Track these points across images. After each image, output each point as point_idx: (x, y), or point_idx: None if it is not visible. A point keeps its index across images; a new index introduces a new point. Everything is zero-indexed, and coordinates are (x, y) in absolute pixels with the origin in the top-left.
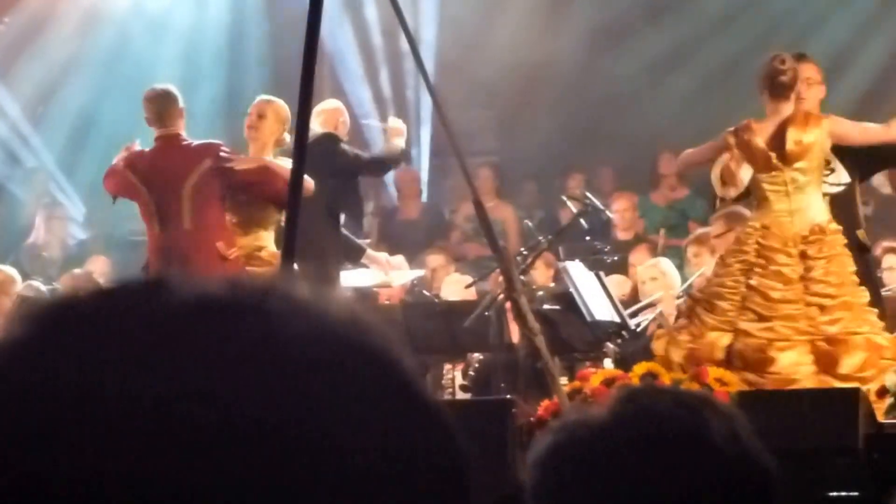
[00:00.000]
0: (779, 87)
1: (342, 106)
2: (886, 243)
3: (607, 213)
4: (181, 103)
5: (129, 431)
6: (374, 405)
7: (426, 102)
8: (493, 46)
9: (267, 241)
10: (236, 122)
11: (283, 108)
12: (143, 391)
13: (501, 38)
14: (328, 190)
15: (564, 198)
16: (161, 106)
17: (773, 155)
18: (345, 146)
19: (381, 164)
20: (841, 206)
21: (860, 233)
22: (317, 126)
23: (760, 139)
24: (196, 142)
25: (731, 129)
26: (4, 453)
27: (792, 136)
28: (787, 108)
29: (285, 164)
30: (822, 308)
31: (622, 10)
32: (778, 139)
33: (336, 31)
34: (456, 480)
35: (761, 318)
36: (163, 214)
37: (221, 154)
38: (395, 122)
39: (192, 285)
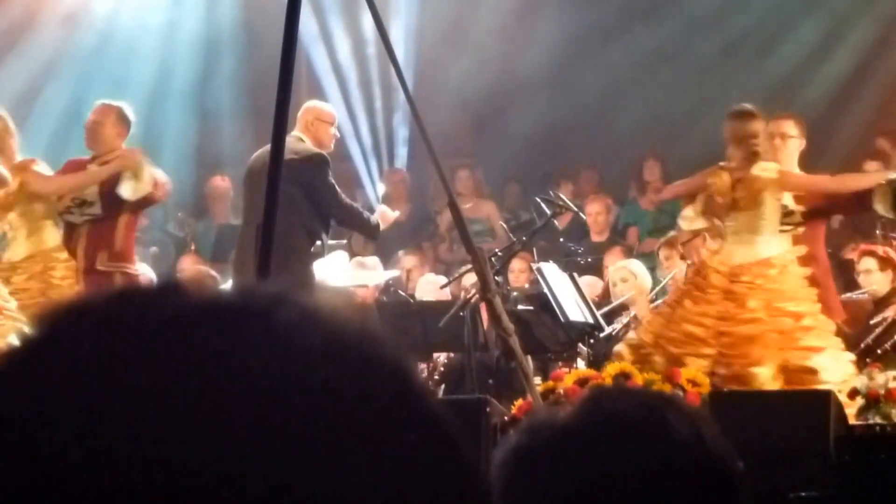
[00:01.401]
0: None
1: (314, 105)
2: (864, 246)
3: (581, 214)
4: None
5: (135, 434)
6: (385, 421)
7: (403, 104)
8: (470, 48)
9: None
10: (208, 121)
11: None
12: (148, 397)
13: (479, 40)
14: (308, 206)
15: (538, 199)
16: None
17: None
18: (332, 180)
19: (355, 221)
20: None
21: None
22: (298, 130)
23: None
24: None
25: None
26: (17, 455)
27: None
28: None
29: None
30: None
31: (602, 13)
32: None
33: (313, 36)
34: (466, 493)
35: None
36: None
37: None
38: (386, 209)
39: (204, 291)
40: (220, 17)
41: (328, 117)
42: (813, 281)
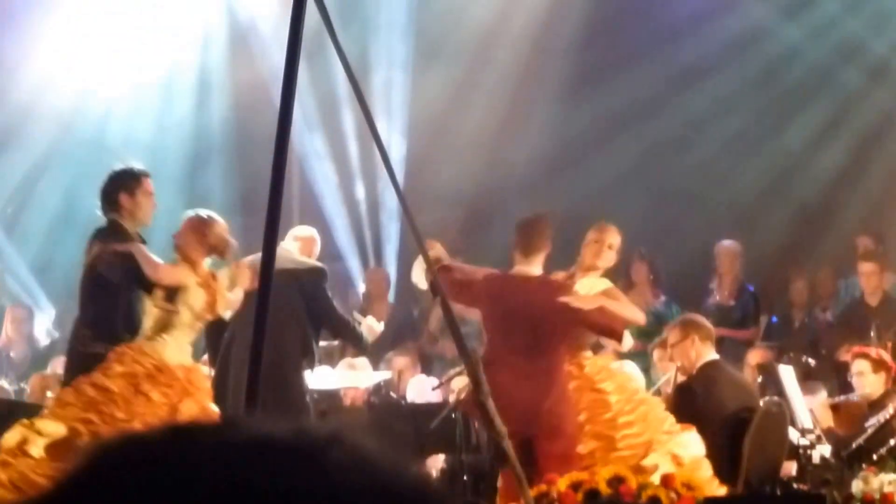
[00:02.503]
0: None
1: (316, 235)
2: (857, 348)
3: None
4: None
5: None
6: None
7: (394, 201)
8: (460, 147)
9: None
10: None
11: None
12: None
13: (469, 139)
14: (305, 315)
15: None
16: None
17: None
18: (329, 292)
19: (348, 334)
20: None
21: None
22: (294, 249)
23: None
24: None
25: None
26: None
27: None
28: None
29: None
30: None
31: (594, 115)
32: None
33: (304, 134)
34: None
35: None
36: None
37: None
38: (373, 322)
39: (259, 427)
40: (210, 118)
41: (319, 250)
42: None
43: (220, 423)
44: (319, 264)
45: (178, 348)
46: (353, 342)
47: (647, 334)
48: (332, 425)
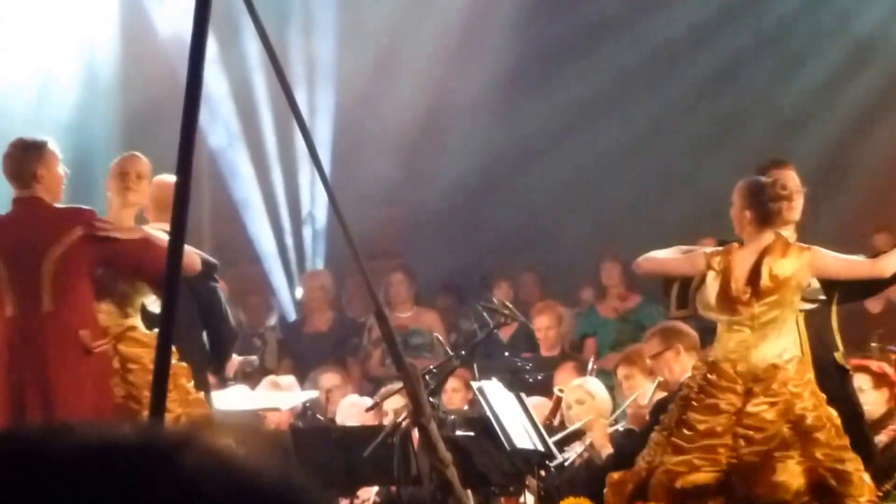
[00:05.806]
0: (771, 215)
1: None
2: (856, 361)
3: (529, 324)
4: (54, 163)
5: None
6: None
7: (322, 200)
8: (390, 135)
9: (137, 321)
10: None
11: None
12: None
13: (398, 125)
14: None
15: (479, 307)
16: (20, 161)
17: (747, 290)
18: (221, 293)
19: (227, 342)
20: (816, 328)
21: (837, 355)
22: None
23: (740, 269)
24: (63, 206)
25: (713, 249)
26: None
27: (768, 270)
28: (770, 237)
29: (163, 237)
30: (747, 440)
31: (560, 109)
32: (754, 271)
33: (220, 123)
34: None
35: (678, 451)
36: (17, 293)
37: (95, 223)
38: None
39: (98, 430)
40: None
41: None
42: None
43: (63, 428)
44: (210, 259)
45: None
46: (222, 356)
47: (628, 343)
48: (186, 427)
